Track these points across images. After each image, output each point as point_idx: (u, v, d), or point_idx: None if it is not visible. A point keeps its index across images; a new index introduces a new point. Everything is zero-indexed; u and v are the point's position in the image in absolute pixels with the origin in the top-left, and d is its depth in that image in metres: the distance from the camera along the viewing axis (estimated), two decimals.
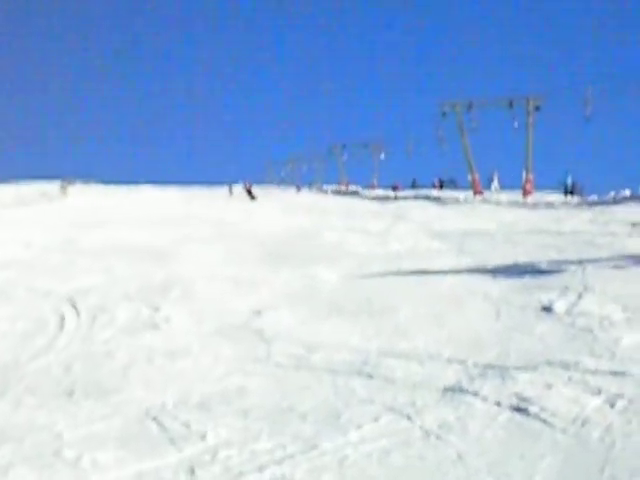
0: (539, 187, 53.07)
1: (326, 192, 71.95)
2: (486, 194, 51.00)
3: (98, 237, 27.60)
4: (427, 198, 50.61)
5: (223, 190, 77.22)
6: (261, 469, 6.50)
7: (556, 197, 45.29)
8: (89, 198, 56.61)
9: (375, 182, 76.11)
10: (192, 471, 6.58)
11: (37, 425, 8.00)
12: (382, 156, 74.33)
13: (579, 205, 33.63)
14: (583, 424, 7.02)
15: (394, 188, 69.24)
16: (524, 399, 7.77)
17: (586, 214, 26.39)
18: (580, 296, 12.02)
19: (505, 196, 46.46)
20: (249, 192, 70.18)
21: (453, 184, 68.74)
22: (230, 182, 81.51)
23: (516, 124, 49.42)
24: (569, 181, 51.11)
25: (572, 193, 48.73)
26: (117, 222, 33.11)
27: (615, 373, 8.31)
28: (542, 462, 6.30)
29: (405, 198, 51.67)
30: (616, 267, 14.47)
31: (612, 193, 34.37)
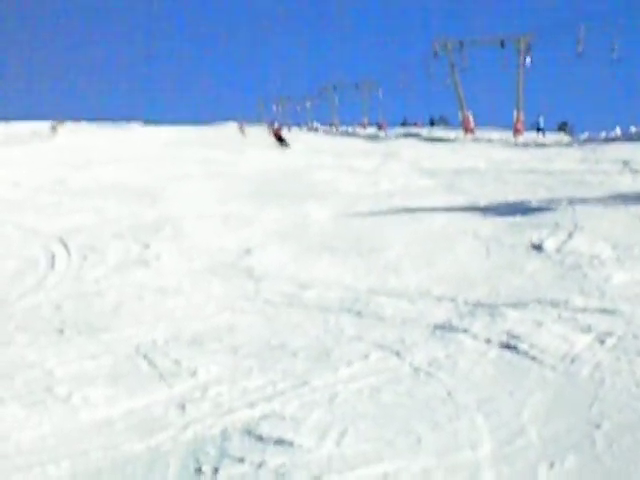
0: (529, 126, 53.03)
1: (317, 131, 71.57)
2: (478, 133, 50.93)
3: (88, 176, 27.54)
4: (417, 136, 50.59)
5: (228, 128, 75.47)
6: (252, 405, 6.52)
7: (548, 137, 45.23)
8: (79, 137, 56.53)
9: (366, 121, 75.95)
10: (183, 407, 6.60)
11: (28, 362, 8.02)
12: (380, 94, 73.92)
13: (570, 144, 33.56)
14: (572, 361, 7.04)
15: (379, 126, 69.46)
16: (514, 336, 7.79)
17: (577, 153, 26.36)
18: (570, 235, 12.02)
19: (496, 135, 46.39)
20: (278, 137, 54.04)
21: (444, 122, 68.60)
22: (240, 119, 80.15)
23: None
24: (541, 121, 51.77)
25: (543, 131, 49.75)
26: (107, 162, 33.00)
27: (605, 311, 8.32)
28: (531, 399, 6.32)
29: (396, 136, 51.56)
30: (606, 206, 14.47)
31: (603, 132, 34.31)
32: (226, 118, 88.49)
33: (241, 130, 72.14)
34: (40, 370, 7.74)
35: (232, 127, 73.79)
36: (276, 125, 59.16)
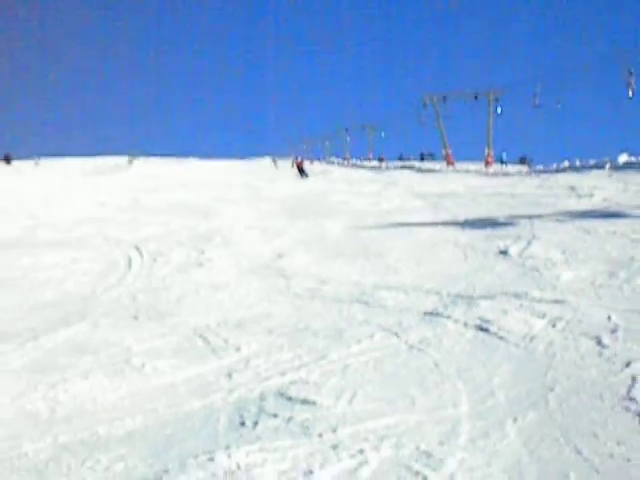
0: (498, 160, 52.98)
1: (333, 163, 71.47)
2: (457, 165, 50.93)
3: (157, 198, 27.63)
4: (411, 167, 50.64)
5: (264, 161, 74.97)
6: (283, 374, 6.53)
7: (511, 168, 45.22)
8: (150, 169, 56.65)
9: (371, 155, 75.88)
10: (229, 375, 6.62)
11: (110, 341, 8.05)
12: (382, 134, 73.67)
13: (529, 174, 33.53)
14: (531, 340, 7.03)
15: (380, 160, 69.38)
16: (485, 321, 7.78)
17: (534, 180, 26.32)
18: (529, 243, 12.02)
19: (472, 166, 46.40)
20: (300, 168, 49.76)
21: (431, 157, 68.58)
22: (273, 154, 79.62)
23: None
24: (504, 155, 52.26)
25: (506, 163, 50.31)
26: (171, 187, 33.15)
27: (556, 301, 8.31)
28: (499, 368, 6.32)
29: (394, 168, 51.59)
30: (557, 221, 14.45)
31: (555, 164, 34.23)
32: (262, 153, 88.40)
33: (274, 163, 72.00)
34: (120, 347, 7.77)
35: (267, 161, 73.76)
36: (299, 159, 53.21)
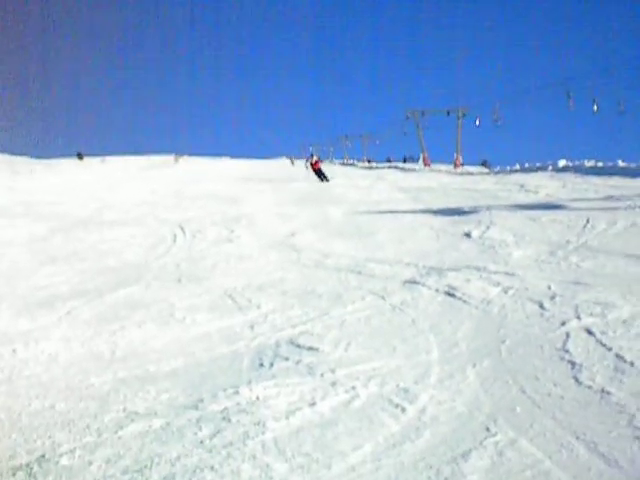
0: (465, 163, 52.77)
1: (335, 164, 71.08)
2: (433, 166, 50.74)
3: (196, 189, 27.62)
4: (396, 167, 50.46)
5: (283, 161, 74.18)
6: (294, 326, 6.55)
7: (474, 169, 45.10)
8: (192, 165, 56.54)
9: (365, 157, 75.45)
10: (252, 327, 6.64)
11: (159, 299, 8.08)
12: (377, 142, 72.96)
13: (489, 174, 33.42)
14: (488, 303, 7.02)
15: (369, 161, 68.81)
16: (452, 287, 7.76)
17: (493, 179, 26.20)
18: (488, 227, 11.97)
19: (444, 167, 46.19)
20: (316, 170, 32.63)
21: (412, 159, 68.22)
22: (289, 155, 78.66)
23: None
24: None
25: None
26: (208, 180, 33.12)
27: (508, 273, 8.29)
28: (462, 325, 6.31)
29: (382, 167, 51.36)
30: (510, 211, 14.39)
31: (508, 166, 34.12)
32: (280, 154, 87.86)
33: (291, 162, 71.55)
34: (166, 303, 7.80)
35: (285, 160, 73.48)
36: (314, 158, 34.32)
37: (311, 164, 33.54)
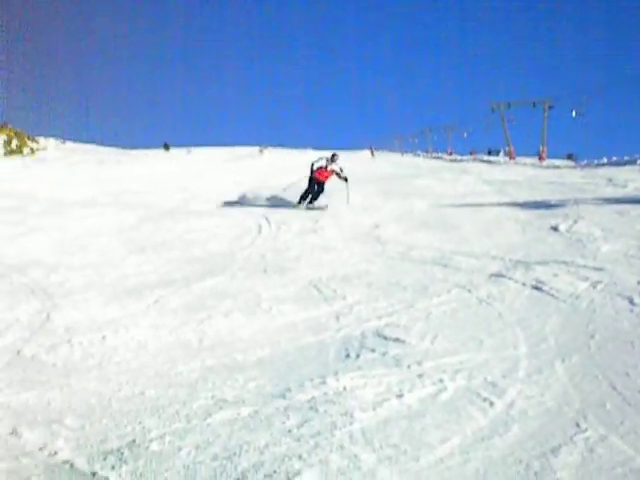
0: (550, 156, 51.65)
1: (419, 156, 70.33)
2: (517, 159, 49.86)
3: (281, 180, 27.83)
4: (481, 160, 49.80)
5: (364, 152, 73.21)
6: (379, 318, 6.58)
7: (560, 162, 44.14)
8: (276, 157, 56.93)
9: (450, 150, 74.49)
10: (337, 318, 6.70)
11: (245, 289, 8.19)
12: (465, 135, 71.71)
13: (575, 167, 32.69)
14: (576, 298, 6.92)
15: (450, 153, 67.77)
16: (540, 282, 7.67)
17: (579, 173, 25.63)
18: (575, 221, 11.76)
19: (529, 160, 45.36)
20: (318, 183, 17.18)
21: (497, 152, 66.98)
22: (370, 146, 77.83)
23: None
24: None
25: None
26: (291, 170, 33.34)
27: (596, 268, 8.15)
28: (550, 319, 6.25)
29: (467, 160, 50.72)
30: (597, 205, 14.10)
31: (596, 160, 33.32)
32: (363, 146, 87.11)
33: (372, 153, 70.88)
34: (252, 293, 7.91)
35: (366, 152, 73.00)
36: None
37: (321, 171, 17.56)
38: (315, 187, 17.48)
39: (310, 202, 17.37)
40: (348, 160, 43.47)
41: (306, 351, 5.76)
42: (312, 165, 17.70)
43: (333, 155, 18.06)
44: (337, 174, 17.53)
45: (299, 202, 17.39)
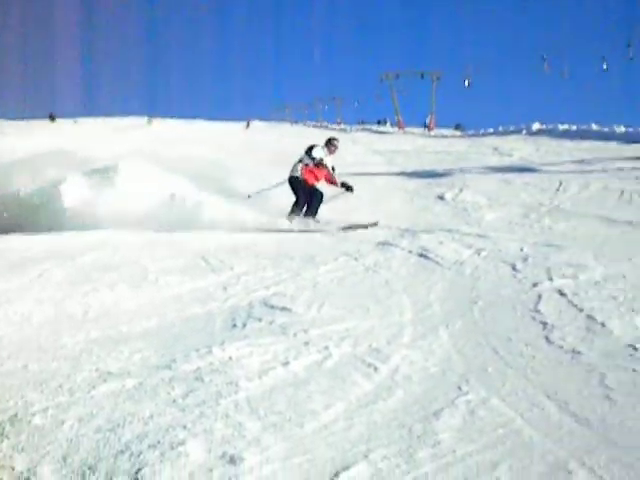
0: (438, 126, 52.71)
1: (309, 126, 70.48)
2: (407, 129, 50.64)
3: (173, 150, 27.34)
4: (370, 130, 50.36)
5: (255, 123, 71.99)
6: (267, 288, 6.53)
7: (448, 132, 45.09)
8: (166, 127, 55.84)
9: (339, 120, 74.90)
10: (225, 288, 6.61)
11: (130, 261, 8.00)
12: (356, 104, 72.10)
13: (462, 137, 33.46)
14: (461, 264, 7.07)
15: (338, 123, 68.05)
16: (426, 249, 7.80)
17: (466, 142, 26.26)
18: (461, 190, 12.03)
19: (417, 130, 46.22)
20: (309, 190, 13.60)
21: (385, 122, 67.80)
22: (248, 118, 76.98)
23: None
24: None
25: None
26: (185, 142, 32.81)
27: (480, 236, 8.35)
28: (436, 286, 6.35)
29: (356, 130, 51.20)
30: (482, 173, 14.47)
31: (482, 129, 34.21)
32: (252, 115, 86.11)
33: (248, 125, 69.26)
34: (138, 266, 7.73)
35: (255, 123, 72.15)
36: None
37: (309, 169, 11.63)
38: (307, 195, 11.13)
39: (307, 215, 10.79)
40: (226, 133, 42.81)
41: (193, 322, 5.65)
42: (300, 160, 11.59)
43: (329, 140, 11.84)
44: (331, 176, 11.51)
45: (290, 214, 10.75)
